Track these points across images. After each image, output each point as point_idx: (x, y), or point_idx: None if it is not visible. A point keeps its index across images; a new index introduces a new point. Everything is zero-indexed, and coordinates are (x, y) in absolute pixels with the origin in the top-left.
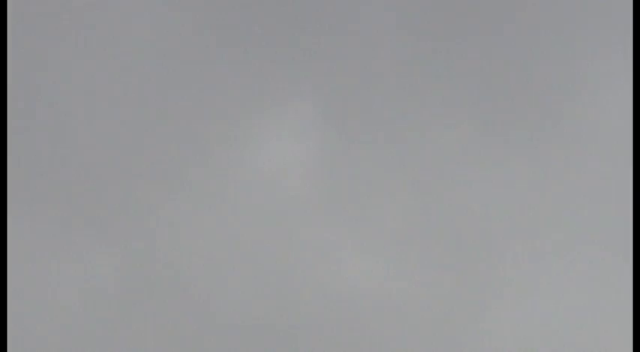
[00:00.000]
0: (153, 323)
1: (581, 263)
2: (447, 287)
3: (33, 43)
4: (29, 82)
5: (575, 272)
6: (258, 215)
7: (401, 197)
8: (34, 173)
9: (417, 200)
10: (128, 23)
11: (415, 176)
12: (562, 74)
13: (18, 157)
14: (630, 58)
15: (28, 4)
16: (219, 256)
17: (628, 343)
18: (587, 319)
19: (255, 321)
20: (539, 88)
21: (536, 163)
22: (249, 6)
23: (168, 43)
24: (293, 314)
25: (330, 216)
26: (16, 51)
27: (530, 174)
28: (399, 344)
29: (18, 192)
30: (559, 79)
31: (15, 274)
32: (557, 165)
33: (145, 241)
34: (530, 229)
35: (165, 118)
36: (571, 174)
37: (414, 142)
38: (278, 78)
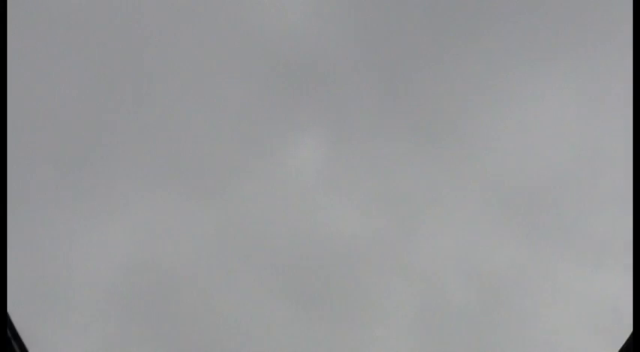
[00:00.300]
0: (240, 252)
1: (470, 207)
2: (395, 226)
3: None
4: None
5: (462, 215)
6: (293, 191)
7: (370, 179)
8: (157, 157)
9: (379, 181)
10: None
11: (376, 168)
12: (465, 107)
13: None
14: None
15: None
16: (270, 214)
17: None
18: (477, 245)
19: (294, 250)
20: (447, 118)
21: (442, 158)
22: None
23: (245, 99)
24: (313, 245)
25: (331, 191)
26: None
27: (441, 164)
28: (368, 256)
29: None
30: (461, 110)
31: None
32: (455, 160)
33: (231, 205)
34: (439, 192)
35: (248, 135)
36: (463, 164)
37: (378, 150)
38: (302, 116)
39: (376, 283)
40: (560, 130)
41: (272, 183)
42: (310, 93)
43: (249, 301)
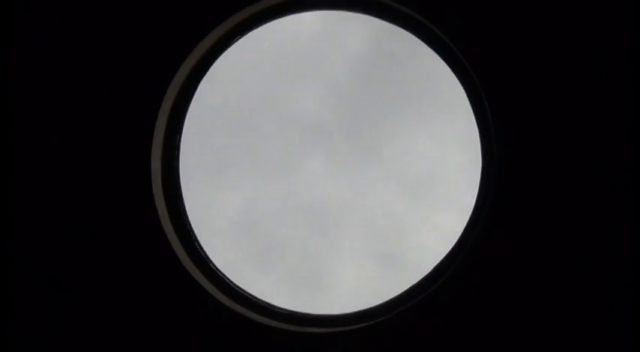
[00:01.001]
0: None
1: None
2: (353, 195)
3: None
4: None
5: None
6: (308, 183)
7: (342, 176)
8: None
9: (346, 177)
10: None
11: (346, 173)
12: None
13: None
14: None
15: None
16: (299, 193)
17: None
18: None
19: (311, 208)
20: (378, 147)
21: (376, 165)
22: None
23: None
24: (319, 205)
25: (328, 181)
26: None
27: (375, 168)
28: (340, 207)
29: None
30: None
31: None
32: (382, 165)
33: (285, 186)
34: (373, 179)
35: (285, 158)
36: (386, 167)
37: (348, 165)
38: (311, 149)
39: (343, 220)
40: (425, 147)
41: (297, 180)
42: (314, 139)
43: (295, 227)
